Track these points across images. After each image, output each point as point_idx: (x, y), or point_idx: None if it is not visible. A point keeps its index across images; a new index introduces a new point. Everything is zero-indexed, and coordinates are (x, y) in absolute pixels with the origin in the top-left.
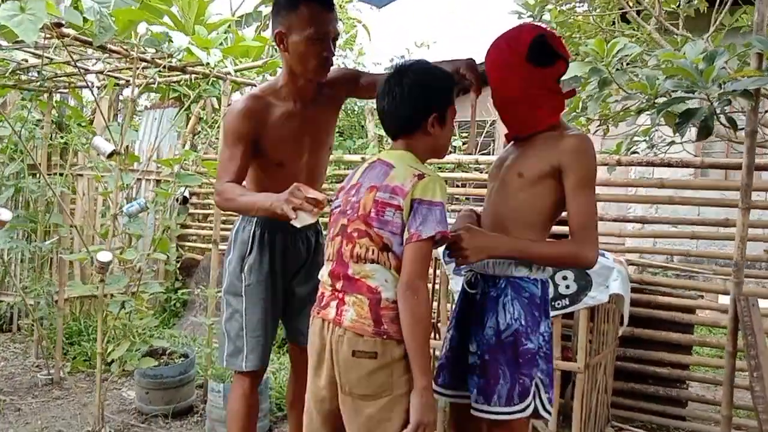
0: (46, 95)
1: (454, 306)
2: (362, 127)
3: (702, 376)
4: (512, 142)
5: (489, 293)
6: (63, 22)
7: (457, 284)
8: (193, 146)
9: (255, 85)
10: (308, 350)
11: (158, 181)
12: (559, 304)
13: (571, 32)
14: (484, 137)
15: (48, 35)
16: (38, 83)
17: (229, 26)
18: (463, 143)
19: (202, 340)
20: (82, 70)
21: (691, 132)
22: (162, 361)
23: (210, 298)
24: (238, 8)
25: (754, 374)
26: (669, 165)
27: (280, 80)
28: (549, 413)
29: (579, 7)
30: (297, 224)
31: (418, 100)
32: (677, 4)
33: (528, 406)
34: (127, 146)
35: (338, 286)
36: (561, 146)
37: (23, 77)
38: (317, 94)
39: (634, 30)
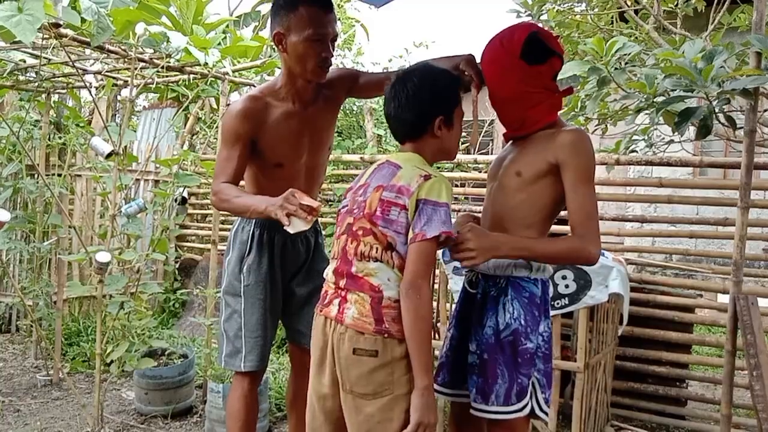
0: (44, 96)
1: (454, 305)
2: (361, 126)
3: (701, 375)
4: (511, 142)
5: (489, 293)
6: (61, 22)
7: (456, 284)
8: (192, 146)
9: (253, 85)
10: (311, 347)
11: (157, 182)
12: (558, 303)
13: (570, 32)
14: (483, 137)
15: (46, 36)
16: (36, 84)
17: (227, 26)
18: (463, 143)
19: (201, 341)
20: (80, 71)
21: (690, 131)
22: (161, 361)
23: (209, 298)
24: (236, 8)
25: (754, 373)
26: (668, 164)
27: (278, 81)
28: (546, 413)
29: (577, 6)
30: (290, 230)
31: (424, 103)
32: (675, 3)
33: (525, 405)
34: (126, 147)
35: (341, 283)
36: (557, 142)
37: (21, 78)
38: (316, 94)
39: (632, 29)
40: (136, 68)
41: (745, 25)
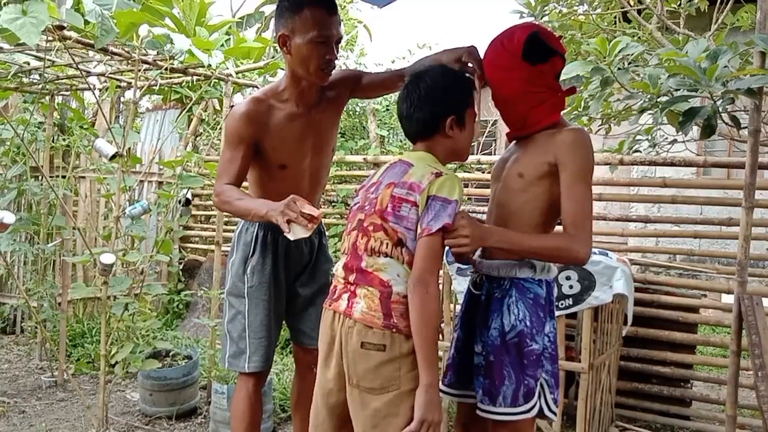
0: (48, 98)
1: (459, 307)
2: (364, 128)
3: (706, 376)
4: (514, 142)
5: (494, 294)
6: (65, 24)
7: (460, 285)
8: (195, 148)
9: (257, 87)
10: (318, 342)
11: (160, 183)
12: (562, 304)
13: (572, 32)
14: (486, 137)
15: (50, 38)
16: (40, 86)
17: (230, 28)
18: None
19: (206, 342)
20: (83, 73)
21: (694, 131)
22: (165, 362)
23: (213, 299)
24: (238, 9)
25: (759, 373)
26: (671, 164)
27: (282, 83)
28: (554, 413)
29: (579, 7)
30: (290, 237)
31: (436, 102)
32: (678, 3)
33: (533, 406)
34: (129, 148)
35: (351, 278)
36: (557, 141)
37: (25, 80)
38: (320, 96)
39: (635, 29)
40: (139, 70)
41: (749, 25)
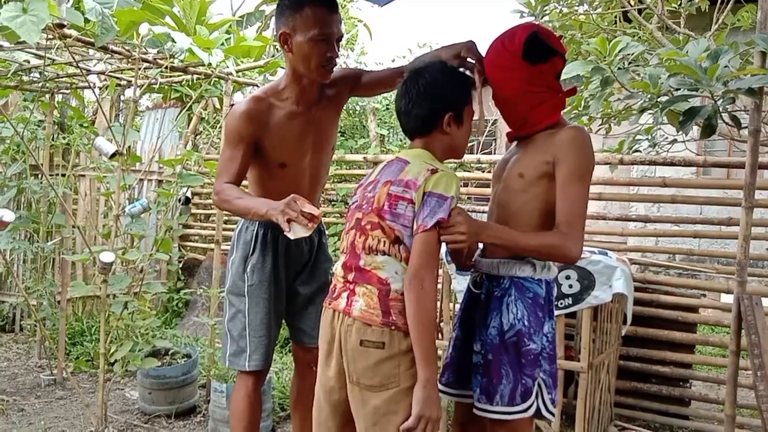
0: (48, 96)
1: (459, 306)
2: (364, 126)
3: (705, 375)
4: (515, 143)
5: (493, 293)
6: (65, 23)
7: (459, 284)
8: (195, 146)
9: (257, 85)
10: (319, 341)
11: (160, 182)
12: (562, 303)
13: (573, 32)
14: (486, 136)
15: (50, 36)
16: (40, 84)
17: (230, 26)
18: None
19: (205, 340)
20: (83, 71)
21: (694, 131)
22: (165, 361)
23: (212, 298)
24: (238, 8)
25: (758, 373)
26: (671, 164)
27: (282, 81)
28: (552, 414)
29: (579, 6)
30: (290, 236)
31: (435, 99)
32: (679, 2)
33: (530, 406)
34: (129, 147)
35: (350, 277)
36: (556, 139)
37: (25, 78)
38: (319, 94)
39: (635, 29)
40: (139, 68)
41: (749, 24)
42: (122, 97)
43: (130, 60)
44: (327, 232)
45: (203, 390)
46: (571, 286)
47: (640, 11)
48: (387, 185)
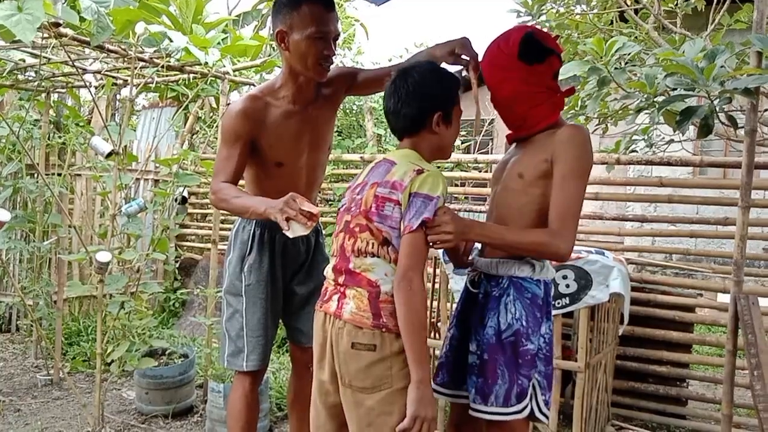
0: (43, 95)
1: (456, 305)
2: (361, 126)
3: (702, 375)
4: (514, 144)
5: (492, 293)
6: (61, 21)
7: (457, 284)
8: (192, 146)
9: (253, 84)
10: (313, 344)
11: (157, 181)
12: (559, 303)
13: (569, 32)
14: (483, 136)
15: (45, 35)
16: (36, 83)
17: (227, 25)
18: (463, 142)
19: (202, 340)
20: (79, 70)
21: (690, 131)
22: (161, 361)
23: (209, 298)
24: (234, 7)
25: (755, 373)
26: (668, 163)
27: (279, 80)
28: (545, 416)
29: (576, 6)
30: (289, 234)
31: (424, 98)
32: (675, 2)
33: (525, 407)
34: (126, 146)
35: (340, 280)
36: (555, 138)
37: (21, 77)
38: (316, 93)
39: (632, 29)
40: (135, 67)
41: (745, 23)
42: (118, 97)
43: (126, 59)
44: (324, 232)
45: (200, 390)
46: (568, 286)
47: (636, 11)
48: (374, 187)
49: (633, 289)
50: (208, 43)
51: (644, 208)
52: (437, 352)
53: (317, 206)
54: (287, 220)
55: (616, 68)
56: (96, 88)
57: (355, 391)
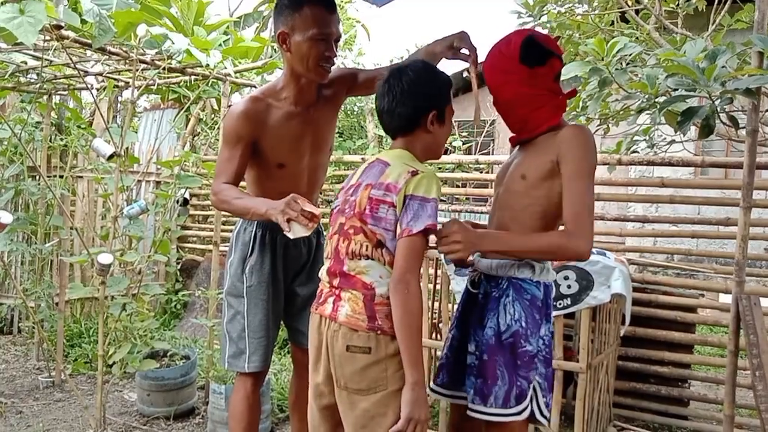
0: (45, 97)
1: (456, 306)
2: (362, 127)
3: (704, 375)
4: (517, 147)
5: (491, 294)
6: (62, 24)
7: (458, 285)
8: (193, 147)
9: (254, 86)
10: (308, 346)
11: (158, 183)
12: (560, 303)
13: (570, 33)
14: (484, 137)
15: (47, 37)
16: (38, 85)
17: (228, 27)
18: (464, 143)
19: (203, 342)
20: (81, 72)
21: (692, 131)
22: (163, 363)
23: (211, 299)
24: (236, 9)
25: (756, 373)
26: (669, 164)
27: (280, 82)
28: (546, 418)
29: (578, 7)
30: (290, 236)
31: (419, 97)
32: (676, 3)
33: (525, 409)
34: (127, 148)
35: (335, 282)
36: (558, 139)
37: (22, 79)
38: (317, 95)
39: (633, 29)
40: (137, 69)
41: (746, 23)
42: (120, 99)
43: (127, 61)
44: (325, 233)
45: (202, 392)
46: (569, 287)
47: (637, 12)
48: (368, 189)
49: (634, 289)
50: (210, 44)
51: (646, 208)
52: (438, 353)
53: (318, 207)
54: (288, 221)
55: (617, 69)
56: (97, 90)
57: (350, 393)
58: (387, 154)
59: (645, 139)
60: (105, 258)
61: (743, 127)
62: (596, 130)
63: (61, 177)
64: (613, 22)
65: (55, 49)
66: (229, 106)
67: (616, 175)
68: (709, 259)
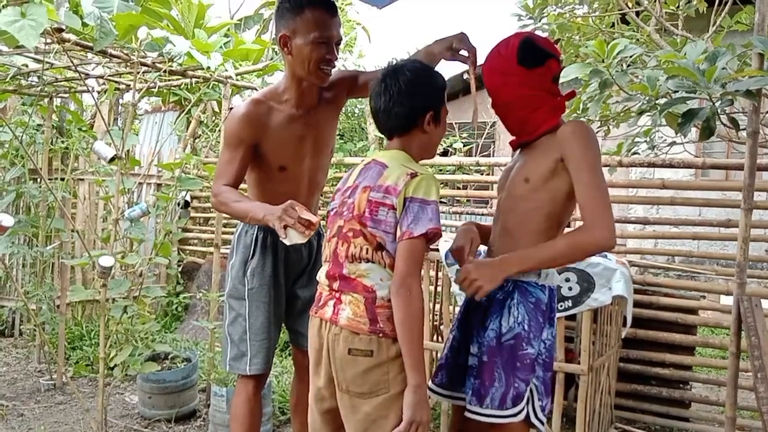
0: (46, 100)
1: (459, 307)
2: (363, 129)
3: (705, 377)
4: (518, 151)
5: (495, 296)
6: (64, 27)
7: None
8: (194, 150)
9: (255, 89)
10: (308, 349)
11: (159, 185)
12: (562, 306)
13: (571, 34)
14: (485, 139)
15: (49, 40)
16: (39, 88)
17: (229, 30)
18: (465, 145)
19: (205, 344)
20: (82, 75)
21: (692, 133)
22: (164, 365)
23: (212, 301)
24: (236, 11)
25: (758, 375)
26: (670, 166)
27: (281, 84)
28: (541, 422)
29: (578, 9)
30: (286, 242)
31: (416, 96)
32: (677, 4)
33: (521, 411)
34: (128, 150)
35: (335, 286)
36: (559, 137)
37: (24, 82)
38: (318, 97)
39: (633, 31)
40: (138, 72)
41: (746, 25)
42: (121, 101)
43: (128, 64)
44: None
45: (203, 394)
46: (570, 289)
47: (638, 13)
48: (366, 191)
49: (636, 291)
50: (210, 47)
51: (646, 210)
52: (439, 355)
53: (319, 210)
54: (285, 227)
55: (617, 71)
56: (99, 92)
57: (352, 396)
58: (383, 154)
59: (646, 141)
60: (106, 260)
61: (744, 129)
62: (597, 132)
63: (63, 180)
64: (613, 23)
65: (56, 52)
66: (230, 108)
67: (616, 176)
68: (710, 261)
